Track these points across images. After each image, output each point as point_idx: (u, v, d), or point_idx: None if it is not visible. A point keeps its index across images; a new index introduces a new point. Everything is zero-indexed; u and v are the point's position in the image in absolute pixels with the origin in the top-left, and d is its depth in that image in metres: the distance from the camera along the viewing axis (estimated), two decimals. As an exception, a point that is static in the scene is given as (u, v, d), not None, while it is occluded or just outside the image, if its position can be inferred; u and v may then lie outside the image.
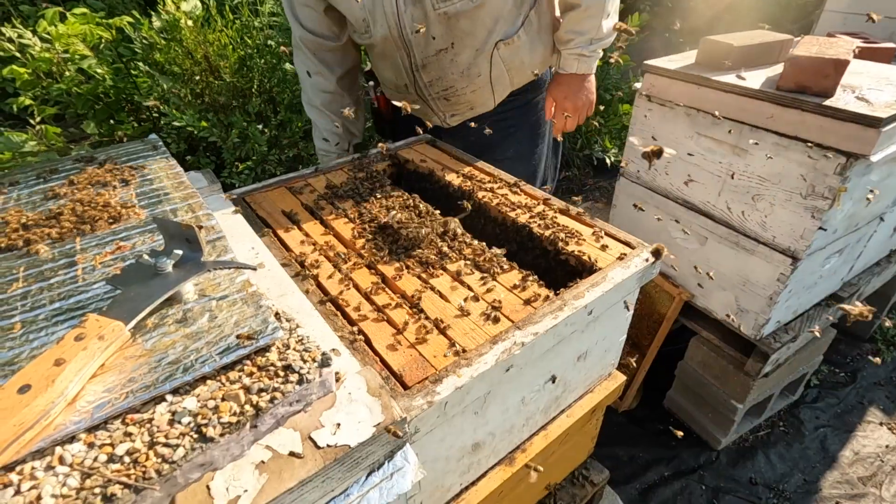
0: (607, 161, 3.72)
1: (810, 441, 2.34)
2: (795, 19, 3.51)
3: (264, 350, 0.64)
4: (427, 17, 1.61)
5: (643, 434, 2.41)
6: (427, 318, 1.00)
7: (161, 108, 2.58)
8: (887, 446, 2.30)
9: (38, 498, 0.48)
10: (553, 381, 1.14)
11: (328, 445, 0.65)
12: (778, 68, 1.81)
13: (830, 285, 2.09)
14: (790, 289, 1.83)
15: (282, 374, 0.61)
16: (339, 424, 0.67)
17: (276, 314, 0.69)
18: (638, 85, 2.05)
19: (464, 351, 0.92)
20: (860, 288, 2.21)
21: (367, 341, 0.94)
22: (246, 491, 0.60)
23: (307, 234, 1.26)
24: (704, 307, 2.10)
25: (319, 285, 1.09)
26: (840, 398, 2.52)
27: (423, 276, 1.11)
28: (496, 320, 0.99)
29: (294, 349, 0.64)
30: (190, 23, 2.71)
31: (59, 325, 0.67)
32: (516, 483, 1.23)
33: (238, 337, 0.62)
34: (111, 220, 0.88)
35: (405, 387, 0.86)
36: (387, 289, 1.08)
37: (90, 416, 0.54)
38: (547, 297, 1.04)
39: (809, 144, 1.57)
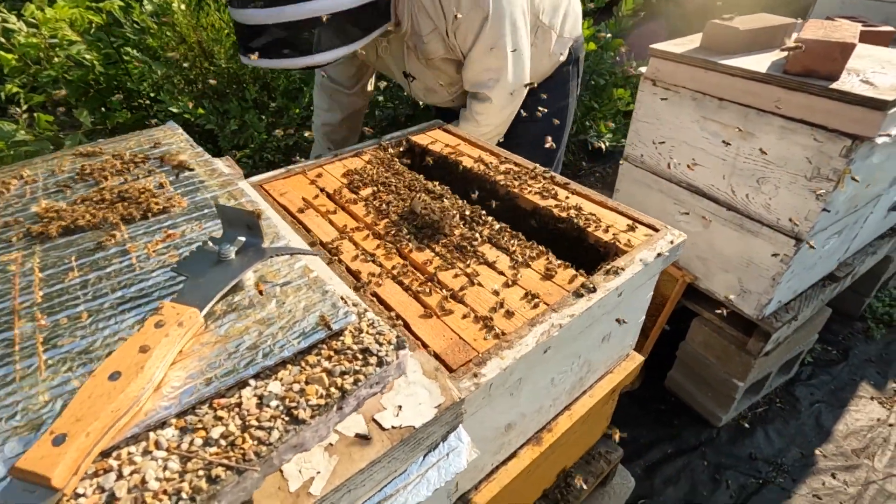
0: (602, 146, 3.73)
1: (806, 417, 2.42)
2: (787, 3, 3.55)
3: (338, 334, 0.64)
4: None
5: (645, 414, 2.46)
6: (461, 301, 1.01)
7: (154, 94, 2.52)
8: (878, 419, 2.39)
9: (143, 481, 0.48)
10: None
11: (393, 427, 0.66)
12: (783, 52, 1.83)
13: (828, 266, 2.15)
14: (792, 269, 1.88)
15: (360, 357, 0.62)
16: (400, 407, 0.68)
17: (342, 298, 0.69)
18: (643, 69, 2.06)
19: (503, 333, 0.93)
20: (855, 268, 2.27)
21: (407, 326, 0.95)
22: (319, 472, 0.60)
23: (330, 221, 1.25)
24: (707, 289, 2.14)
25: (350, 271, 1.09)
26: (833, 375, 2.61)
27: (452, 260, 1.12)
28: (533, 304, 1.00)
29: (367, 333, 0.65)
30: (182, 6, 2.64)
31: (125, 313, 0.66)
32: (543, 461, 1.26)
33: (321, 319, 0.63)
34: (155, 209, 0.86)
35: (450, 370, 0.87)
36: (417, 273, 1.09)
37: (178, 402, 0.54)
38: (576, 279, 1.06)
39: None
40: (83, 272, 0.73)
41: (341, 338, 0.64)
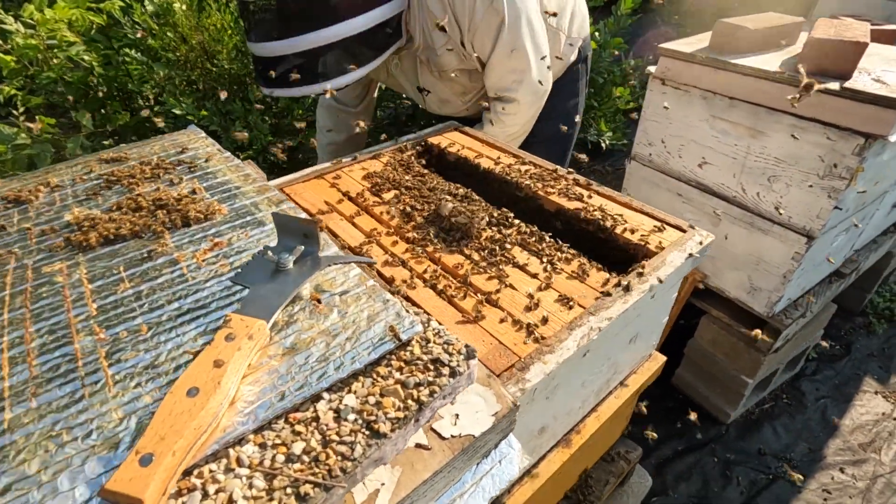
0: (602, 144, 3.75)
1: (812, 412, 2.45)
2: (782, 1, 3.57)
3: (405, 344, 0.64)
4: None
5: (654, 412, 2.46)
6: (496, 305, 1.01)
7: (155, 96, 2.49)
8: (883, 414, 2.42)
9: (230, 500, 0.47)
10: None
11: (452, 436, 0.65)
12: (791, 50, 1.85)
13: (835, 262, 2.17)
14: (803, 267, 1.90)
15: (431, 367, 0.61)
16: (457, 415, 0.68)
17: (405, 307, 0.68)
18: (651, 69, 2.07)
19: (543, 338, 0.93)
20: (860, 264, 2.30)
21: (445, 331, 0.94)
22: (383, 484, 0.60)
23: (355, 225, 1.24)
24: (717, 287, 2.16)
25: (381, 276, 1.08)
26: (837, 370, 2.64)
27: (484, 264, 1.11)
28: (568, 306, 1.00)
29: (434, 342, 0.64)
30: (184, 7, 2.61)
31: (185, 325, 0.65)
32: (571, 463, 1.26)
33: (390, 329, 0.62)
34: (196, 216, 0.85)
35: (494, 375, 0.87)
36: (450, 278, 1.08)
37: (255, 417, 0.53)
38: (609, 282, 1.06)
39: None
40: (134, 283, 0.71)
41: (409, 348, 0.63)
